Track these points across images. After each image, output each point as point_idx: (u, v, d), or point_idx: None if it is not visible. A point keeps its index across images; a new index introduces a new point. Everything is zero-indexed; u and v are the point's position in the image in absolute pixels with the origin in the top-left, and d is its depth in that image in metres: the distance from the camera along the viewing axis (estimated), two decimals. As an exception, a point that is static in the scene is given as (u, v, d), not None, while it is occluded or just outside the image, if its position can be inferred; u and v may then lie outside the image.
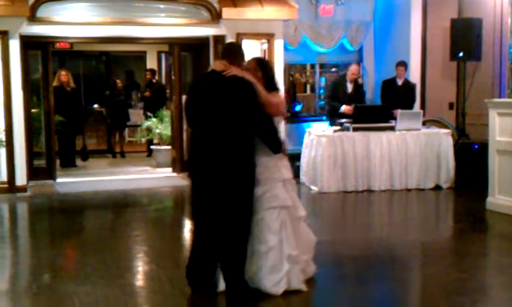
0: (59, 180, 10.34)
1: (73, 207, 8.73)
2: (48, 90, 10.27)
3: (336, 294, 5.15)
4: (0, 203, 8.84)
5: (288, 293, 4.85)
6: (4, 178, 9.36)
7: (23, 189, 9.40)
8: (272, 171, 4.92)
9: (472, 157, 9.41)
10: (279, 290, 4.82)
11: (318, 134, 9.52)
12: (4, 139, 9.21)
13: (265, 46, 10.30)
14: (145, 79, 15.15)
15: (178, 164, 11.08)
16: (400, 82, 10.40)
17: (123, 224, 7.75)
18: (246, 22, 10.07)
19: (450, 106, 11.58)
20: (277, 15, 10.20)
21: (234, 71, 4.78)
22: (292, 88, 12.44)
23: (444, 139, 9.65)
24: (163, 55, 16.20)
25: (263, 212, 4.87)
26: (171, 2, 10.09)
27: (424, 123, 10.03)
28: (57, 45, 14.23)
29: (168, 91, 13.44)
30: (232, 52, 5.00)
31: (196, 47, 10.77)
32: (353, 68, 10.37)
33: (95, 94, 15.73)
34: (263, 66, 5.08)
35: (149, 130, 12.44)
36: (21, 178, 9.43)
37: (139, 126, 14.02)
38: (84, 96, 14.95)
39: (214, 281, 4.93)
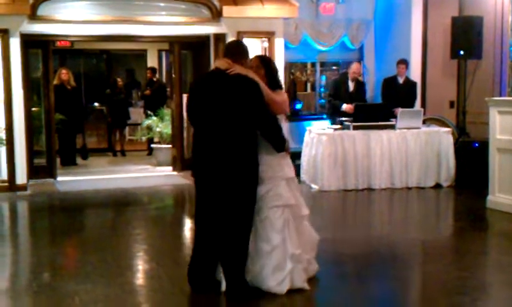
0: (59, 178, 10.35)
1: (74, 206, 8.73)
2: (48, 88, 10.27)
3: (339, 293, 5.15)
4: (0, 201, 8.84)
5: (291, 292, 4.85)
6: (5, 176, 9.36)
7: (23, 188, 9.41)
8: (275, 169, 4.93)
9: (472, 155, 9.40)
10: (283, 289, 4.82)
11: (318, 132, 9.52)
12: (4, 137, 9.21)
13: (266, 44, 10.29)
14: (146, 78, 15.15)
15: (178, 163, 11.08)
16: (401, 80, 10.40)
17: (123, 223, 7.75)
18: (247, 20, 10.07)
19: (451, 104, 11.57)
20: (278, 13, 10.20)
21: (238, 69, 4.77)
22: (293, 86, 12.43)
23: (444, 137, 9.65)
24: (164, 54, 16.22)
25: (267, 210, 4.87)
26: (172, 0, 10.09)
27: (424, 122, 10.03)
28: (58, 44, 14.25)
29: (168, 89, 13.46)
30: (236, 50, 5.00)
31: (197, 45, 10.78)
32: (354, 66, 10.37)
33: (95, 93, 15.74)
34: (266, 64, 5.08)
35: (149, 128, 12.44)
36: (21, 177, 9.43)
37: (139, 124, 14.02)
38: (84, 94, 14.96)
39: (216, 280, 4.94)
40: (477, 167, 8.93)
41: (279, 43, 10.36)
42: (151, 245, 6.67)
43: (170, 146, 11.58)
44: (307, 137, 9.84)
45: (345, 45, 11.91)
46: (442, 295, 5.03)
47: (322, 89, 12.43)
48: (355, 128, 9.40)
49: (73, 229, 7.50)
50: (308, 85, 12.83)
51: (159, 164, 11.80)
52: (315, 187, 9.36)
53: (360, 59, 11.86)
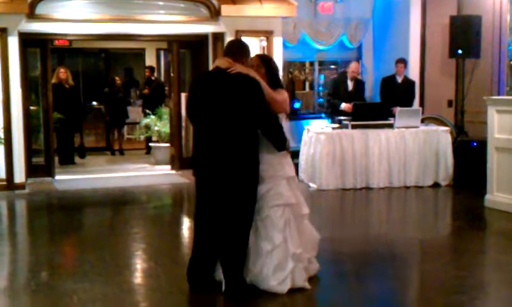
0: (57, 177, 10.34)
1: (72, 204, 8.73)
2: (47, 87, 10.26)
3: (339, 292, 5.15)
4: (-2, 200, 8.85)
5: (292, 291, 4.85)
6: (3, 175, 9.35)
7: (21, 186, 9.40)
8: (276, 168, 4.93)
9: (470, 154, 9.41)
10: (284, 288, 4.82)
11: (317, 131, 9.52)
12: (2, 136, 9.20)
13: (264, 43, 10.28)
14: (144, 76, 15.15)
15: (176, 162, 11.08)
16: (399, 79, 10.40)
17: (121, 222, 7.75)
18: (245, 19, 10.08)
19: (449, 103, 11.58)
20: (276, 12, 10.20)
21: (239, 68, 4.77)
22: (291, 85, 12.43)
23: (443, 136, 9.65)
24: (162, 53, 16.20)
25: (267, 209, 4.87)
26: (170, -1, 10.11)
27: (422, 121, 10.03)
28: (56, 43, 14.24)
29: (166, 88, 13.46)
30: (236, 49, 4.99)
31: (195, 44, 10.77)
32: (353, 65, 10.37)
33: (93, 92, 15.71)
34: (266, 63, 5.08)
35: (148, 127, 12.44)
36: (19, 176, 9.42)
37: (137, 123, 14.01)
38: (82, 93, 14.94)
39: (217, 280, 4.93)
40: (475, 166, 8.93)
41: (277, 42, 10.36)
42: (149, 244, 6.67)
43: (168, 144, 11.58)
44: (305, 136, 9.84)
45: (343, 44, 11.93)
46: (440, 294, 5.03)
47: (320, 88, 12.44)
48: (353, 127, 9.41)
49: (71, 228, 7.49)
50: (307, 84, 12.83)
51: (157, 163, 11.79)
52: (313, 185, 9.36)
53: (359, 58, 11.88)
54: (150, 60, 16.46)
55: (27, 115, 9.80)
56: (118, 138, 13.72)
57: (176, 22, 10.10)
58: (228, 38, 9.62)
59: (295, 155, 9.36)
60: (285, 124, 5.09)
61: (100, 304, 4.76)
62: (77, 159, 12.48)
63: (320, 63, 12.39)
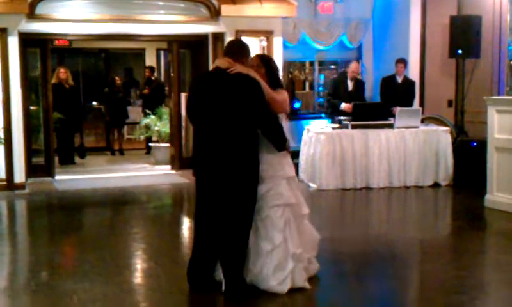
0: (57, 177, 10.34)
1: (72, 204, 8.73)
2: (46, 87, 10.25)
3: (339, 292, 5.15)
4: (-2, 200, 8.85)
5: (292, 291, 4.84)
6: (3, 175, 9.35)
7: (21, 186, 9.40)
8: (276, 168, 4.93)
9: (470, 154, 9.40)
10: (284, 288, 4.82)
11: (317, 131, 9.52)
12: (2, 136, 9.20)
13: (264, 43, 10.28)
14: (144, 76, 15.15)
15: (176, 162, 11.08)
16: (399, 79, 10.39)
17: (121, 222, 7.75)
18: (245, 19, 10.08)
19: (449, 103, 11.58)
20: (276, 12, 10.20)
21: (239, 68, 4.77)
22: (291, 85, 12.44)
23: (443, 136, 9.65)
24: (162, 53, 16.20)
25: (267, 209, 4.87)
26: (170, -1, 10.11)
27: (422, 121, 10.03)
28: (56, 43, 14.24)
29: (166, 88, 13.45)
30: (236, 49, 4.99)
31: (195, 44, 10.77)
32: (353, 65, 10.37)
33: (93, 92, 15.71)
34: (267, 63, 5.08)
35: (148, 127, 12.44)
36: (19, 176, 9.42)
37: (137, 123, 14.01)
38: (82, 93, 14.94)
39: (217, 280, 4.93)
40: (475, 166, 8.93)
41: (277, 42, 10.36)
42: (149, 244, 6.67)
43: (168, 144, 11.58)
44: (305, 136, 9.84)
45: (343, 44, 11.93)
46: (440, 294, 5.03)
47: (320, 88, 12.44)
48: (353, 127, 9.41)
49: (71, 228, 7.49)
50: (307, 84, 12.84)
51: (157, 163, 11.79)
52: (313, 186, 9.36)
53: (359, 58, 11.88)
54: (150, 60, 16.46)
55: (27, 115, 9.80)
56: (118, 138, 13.72)
57: (176, 22, 10.10)
58: (228, 38, 9.62)
59: (295, 155, 9.39)
60: (285, 124, 5.10)
61: (100, 304, 4.76)
62: (77, 159, 12.48)
63: (320, 63, 12.40)
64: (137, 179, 10.50)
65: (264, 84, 4.82)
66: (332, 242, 6.41)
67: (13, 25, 9.26)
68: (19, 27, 9.33)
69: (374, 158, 9.35)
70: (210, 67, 9.60)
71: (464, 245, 6.52)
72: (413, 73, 11.10)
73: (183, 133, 11.12)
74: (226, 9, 9.94)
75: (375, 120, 9.53)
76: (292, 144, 6.11)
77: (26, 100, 9.72)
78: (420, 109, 10.27)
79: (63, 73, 11.87)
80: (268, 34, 10.27)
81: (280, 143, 4.91)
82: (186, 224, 7.65)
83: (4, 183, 9.32)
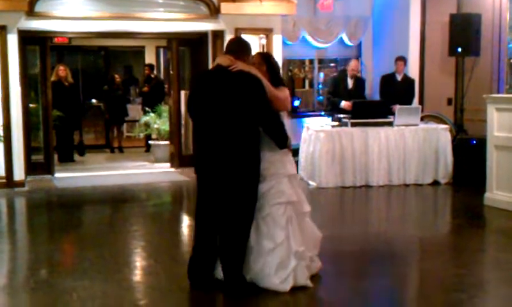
0: (57, 174, 10.34)
1: (71, 202, 8.73)
2: (46, 85, 10.25)
3: (339, 290, 5.14)
4: (-2, 198, 8.85)
5: (294, 289, 4.83)
6: (2, 173, 9.35)
7: (21, 184, 9.40)
8: (277, 166, 4.92)
9: (470, 152, 9.40)
10: (287, 286, 4.81)
11: (316, 129, 9.52)
12: (2, 134, 9.20)
13: (264, 41, 10.28)
14: (143, 74, 15.14)
15: (176, 159, 11.08)
16: (399, 77, 10.39)
17: (121, 219, 7.74)
18: (245, 17, 10.07)
19: (449, 101, 11.59)
20: (276, 10, 10.20)
21: (240, 66, 4.76)
22: (291, 83, 12.44)
23: (442, 134, 9.65)
24: (161, 50, 16.18)
25: (268, 207, 4.86)
26: (170, -3, 10.10)
27: (422, 119, 10.04)
28: (56, 40, 14.19)
29: (166, 86, 13.44)
30: (238, 47, 4.99)
31: (195, 41, 10.77)
32: (353, 63, 10.36)
33: (93, 89, 15.71)
34: (268, 60, 5.08)
35: (147, 125, 12.44)
36: (19, 173, 9.42)
37: (137, 121, 14.00)
38: (82, 91, 14.92)
39: (216, 278, 4.93)
40: (475, 164, 8.93)
41: (277, 40, 10.36)
42: (149, 241, 6.66)
43: (168, 142, 11.58)
44: (305, 134, 9.84)
45: (343, 42, 11.93)
46: (440, 292, 5.03)
47: (320, 86, 12.45)
48: (353, 125, 9.40)
49: (70, 225, 7.49)
50: (306, 82, 12.84)
51: (157, 161, 11.80)
52: (312, 183, 9.36)
53: (358, 56, 11.89)
54: (149, 58, 16.45)
55: (27, 113, 9.80)
56: (117, 136, 13.72)
57: (175, 19, 10.10)
58: (228, 36, 9.63)
59: (295, 152, 9.39)
60: (287, 122, 5.09)
61: (99, 302, 4.76)
62: (76, 157, 12.48)
63: (320, 61, 12.40)
64: (137, 177, 10.50)
65: (265, 81, 4.82)
66: (332, 239, 6.40)
67: (12, 22, 9.25)
68: (18, 24, 9.32)
69: (374, 156, 9.35)
70: (210, 65, 9.65)
71: (464, 243, 6.53)
72: (413, 71, 11.11)
73: (182, 131, 11.12)
74: (225, 7, 9.94)
75: (374, 118, 9.53)
76: (291, 141, 6.10)
77: (25, 98, 9.72)
78: (420, 107, 10.27)
79: (62, 70, 11.86)
80: (268, 32, 10.26)
81: (281, 141, 4.91)
82: (186, 222, 7.65)
83: (4, 180, 9.32)
